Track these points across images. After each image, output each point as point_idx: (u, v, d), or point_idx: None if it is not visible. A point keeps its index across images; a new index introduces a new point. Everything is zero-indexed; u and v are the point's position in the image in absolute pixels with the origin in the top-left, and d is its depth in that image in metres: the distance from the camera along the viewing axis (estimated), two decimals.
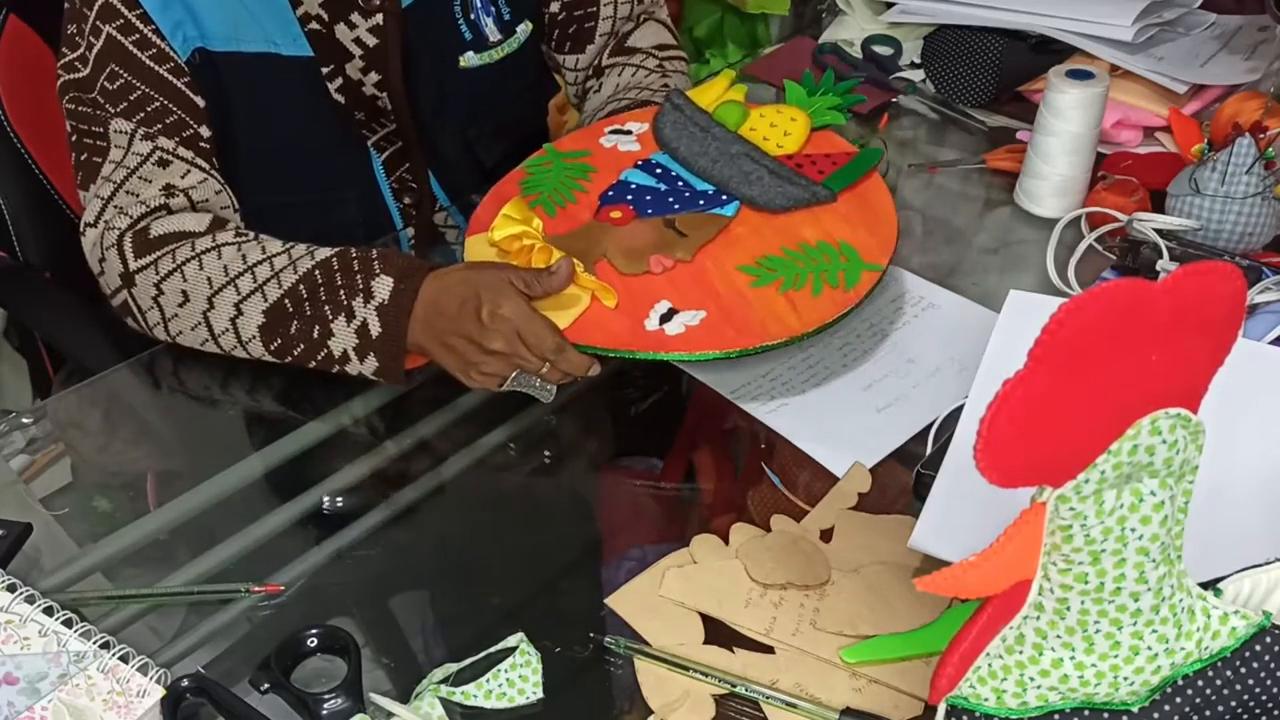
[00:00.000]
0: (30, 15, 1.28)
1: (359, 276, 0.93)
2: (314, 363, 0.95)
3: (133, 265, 0.98)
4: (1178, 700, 0.61)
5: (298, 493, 0.91)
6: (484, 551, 0.87)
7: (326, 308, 0.93)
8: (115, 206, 1.00)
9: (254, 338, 0.95)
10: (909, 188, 1.25)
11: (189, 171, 1.01)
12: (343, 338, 0.93)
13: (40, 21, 1.27)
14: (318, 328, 0.93)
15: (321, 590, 0.82)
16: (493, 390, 0.93)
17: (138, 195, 1.00)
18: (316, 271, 0.94)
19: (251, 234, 0.99)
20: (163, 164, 1.00)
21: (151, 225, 0.99)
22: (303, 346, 0.94)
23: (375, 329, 0.92)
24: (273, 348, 0.95)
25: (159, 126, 1.00)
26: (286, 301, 0.93)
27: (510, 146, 1.22)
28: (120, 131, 1.00)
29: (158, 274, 0.97)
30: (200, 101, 1.02)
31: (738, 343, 0.92)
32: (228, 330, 0.96)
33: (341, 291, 0.92)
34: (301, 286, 0.93)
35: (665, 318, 0.94)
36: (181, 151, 1.01)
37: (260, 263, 0.95)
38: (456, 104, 1.19)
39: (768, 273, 0.97)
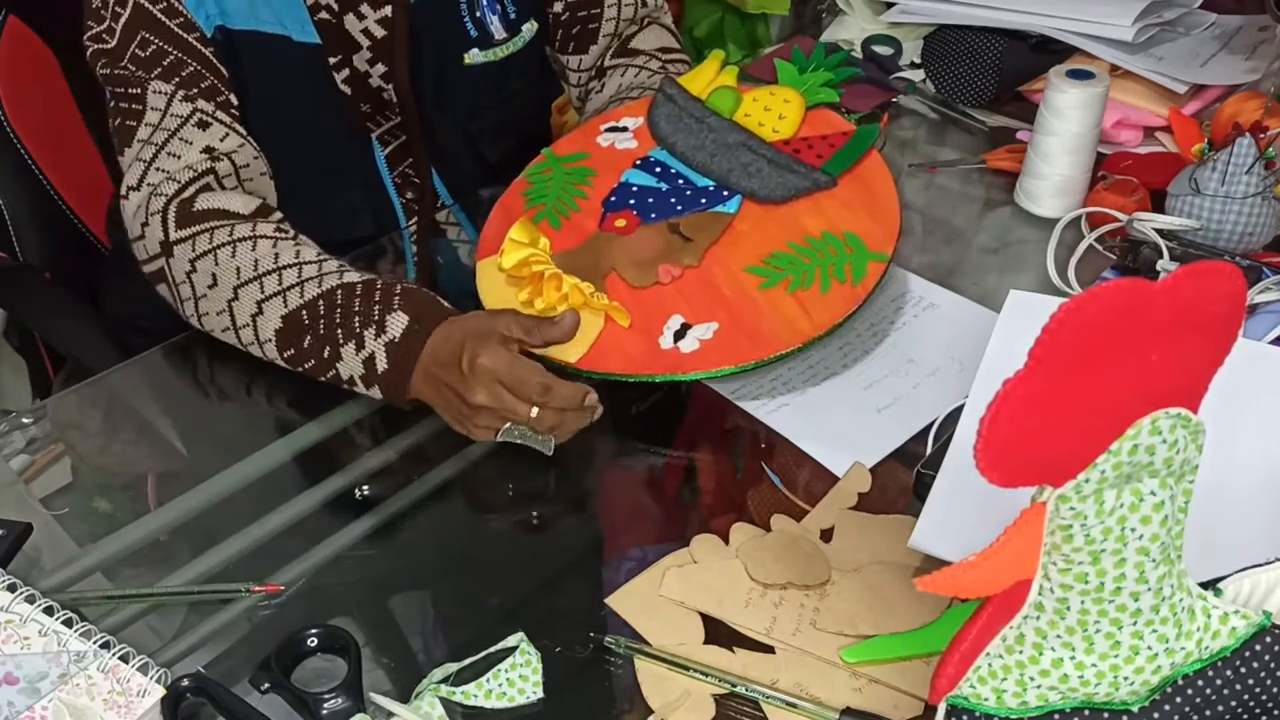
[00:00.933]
0: (30, 15, 1.28)
1: (377, 307, 0.91)
2: (324, 379, 0.94)
3: (173, 235, 0.97)
4: (1178, 700, 0.61)
5: (298, 493, 0.91)
6: (484, 551, 0.87)
7: (339, 331, 0.92)
8: (160, 170, 0.99)
9: (270, 340, 0.95)
10: (909, 188, 1.25)
11: (228, 135, 1.02)
12: (350, 364, 0.92)
13: (40, 21, 1.27)
14: (328, 348, 0.92)
15: (321, 590, 0.82)
16: (493, 441, 0.90)
17: (180, 158, 1.00)
18: (338, 292, 0.92)
19: (292, 232, 0.98)
20: (203, 125, 1.01)
21: (197, 197, 0.98)
22: (313, 362, 0.94)
23: (381, 364, 0.90)
24: (286, 355, 0.95)
25: (196, 89, 1.01)
26: (304, 313, 0.93)
27: (513, 145, 1.22)
28: (159, 93, 1.00)
29: (194, 250, 0.97)
30: (226, 71, 1.02)
31: (752, 354, 0.92)
32: (248, 325, 0.95)
33: (356, 318, 0.91)
34: (321, 302, 0.92)
35: (679, 334, 0.94)
36: (220, 115, 1.02)
37: (289, 266, 0.94)
38: (459, 100, 1.19)
39: (775, 272, 0.97)
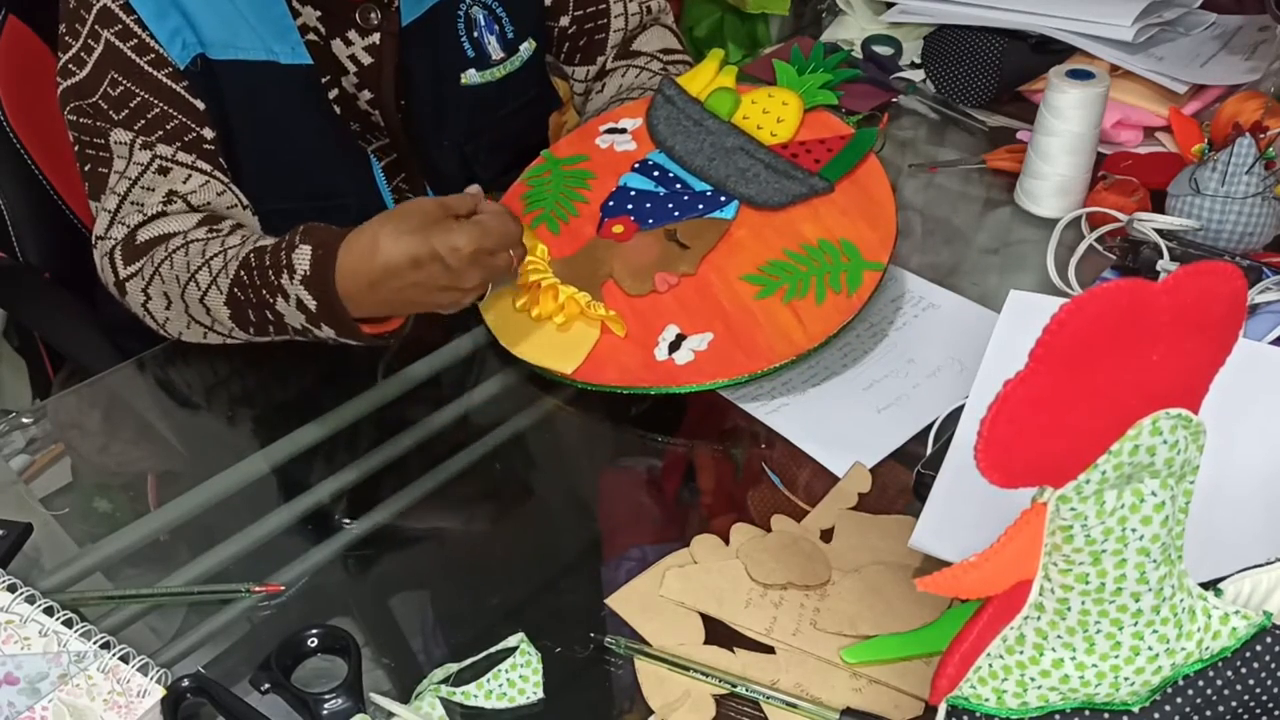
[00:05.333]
0: (30, 15, 1.28)
1: (282, 253, 0.92)
2: (295, 338, 0.95)
3: (122, 274, 0.99)
4: (1178, 700, 0.61)
5: (298, 493, 0.91)
6: (484, 551, 0.87)
7: (264, 291, 0.92)
8: (120, 220, 1.00)
9: (234, 327, 0.96)
10: (909, 188, 1.25)
11: (190, 176, 1.01)
12: (291, 316, 0.92)
13: (40, 21, 1.27)
14: (268, 311, 0.93)
15: (321, 590, 0.82)
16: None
17: (140, 205, 1.00)
18: (250, 256, 0.93)
19: (226, 228, 0.99)
20: (163, 171, 1.00)
21: (140, 232, 0.99)
22: (271, 328, 0.95)
23: (310, 302, 0.91)
24: (251, 331, 0.96)
25: (159, 134, 1.00)
26: (236, 290, 0.94)
27: (508, 161, 1.22)
28: (120, 142, 1.00)
29: (143, 279, 0.98)
30: (200, 104, 1.02)
31: (746, 367, 0.92)
32: (213, 323, 0.97)
33: (270, 272, 0.92)
34: (241, 273, 0.93)
35: (674, 345, 0.95)
36: (181, 157, 1.01)
37: (215, 255, 0.95)
38: (456, 120, 1.18)
39: (771, 281, 0.98)
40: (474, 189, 0.96)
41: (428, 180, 1.21)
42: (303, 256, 0.90)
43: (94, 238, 1.02)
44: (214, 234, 0.98)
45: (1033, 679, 0.60)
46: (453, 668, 0.74)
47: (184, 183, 1.01)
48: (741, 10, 1.97)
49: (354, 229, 0.91)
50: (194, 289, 0.95)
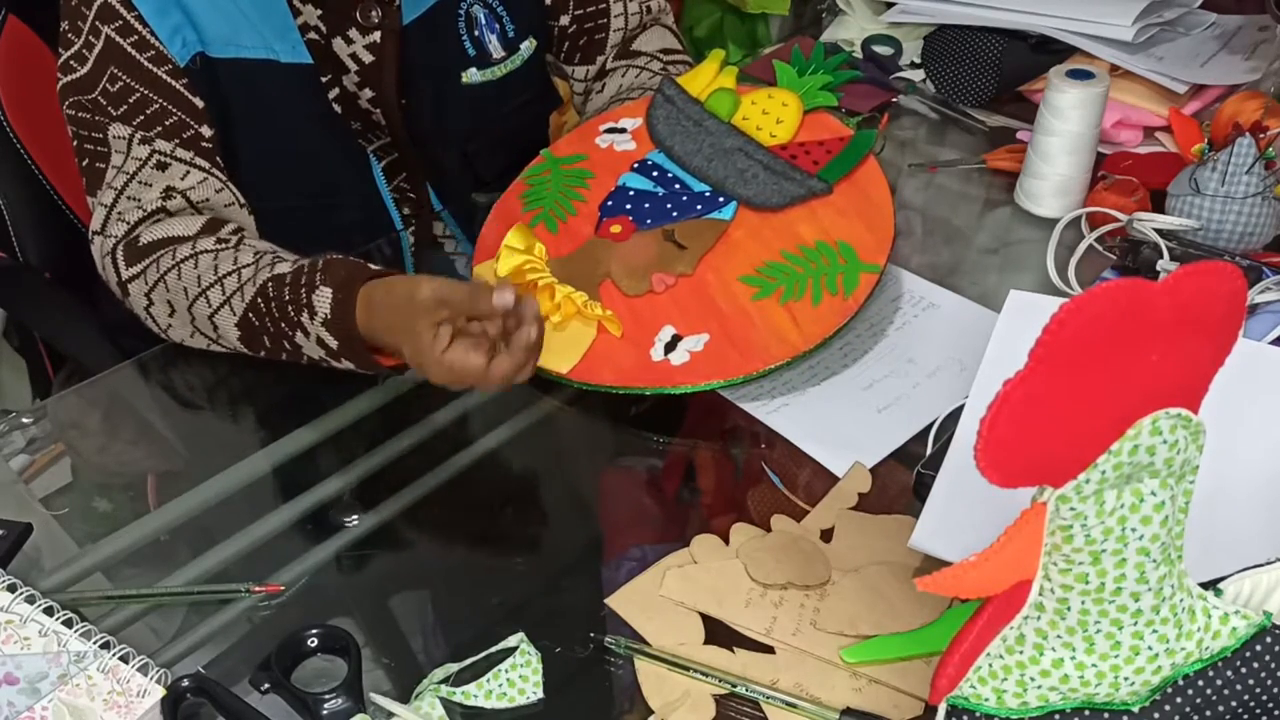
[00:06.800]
0: (30, 15, 1.28)
1: (303, 291, 0.91)
2: (306, 364, 0.95)
3: (124, 274, 0.99)
4: (1178, 700, 0.61)
5: (298, 493, 0.91)
6: (484, 551, 0.87)
7: (282, 324, 0.93)
8: (117, 213, 1.00)
9: (241, 348, 0.96)
10: (909, 188, 1.25)
11: (188, 172, 1.01)
12: (310, 349, 0.93)
13: (40, 21, 1.27)
14: (285, 341, 0.93)
15: (321, 590, 0.82)
16: None
17: (138, 200, 1.00)
18: (269, 285, 0.93)
19: (235, 239, 0.99)
20: (161, 167, 1.00)
21: (142, 232, 0.99)
22: (284, 355, 0.95)
23: (331, 342, 0.91)
24: (262, 354, 0.96)
25: (158, 129, 1.00)
26: (250, 316, 0.94)
27: (510, 160, 1.22)
28: (119, 137, 1.00)
29: (146, 284, 0.98)
30: (199, 102, 1.02)
31: (741, 369, 0.93)
32: (218, 339, 0.97)
33: (289, 307, 0.92)
34: (259, 300, 0.93)
35: (670, 346, 0.95)
36: (180, 153, 1.01)
37: (229, 274, 0.95)
38: (457, 119, 1.18)
39: (768, 282, 0.98)
40: (503, 300, 0.85)
41: (428, 180, 1.21)
42: (323, 299, 0.90)
43: (90, 232, 1.02)
44: (222, 245, 0.98)
45: (1033, 679, 0.60)
46: (453, 668, 0.74)
47: (182, 179, 1.01)
48: (741, 10, 1.97)
49: (371, 278, 0.90)
50: (203, 305, 0.95)
